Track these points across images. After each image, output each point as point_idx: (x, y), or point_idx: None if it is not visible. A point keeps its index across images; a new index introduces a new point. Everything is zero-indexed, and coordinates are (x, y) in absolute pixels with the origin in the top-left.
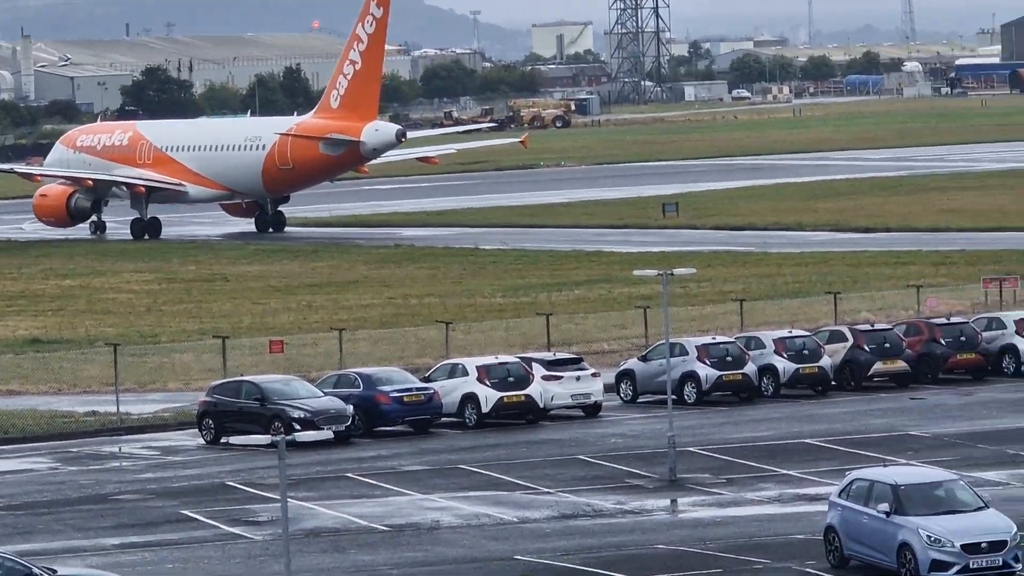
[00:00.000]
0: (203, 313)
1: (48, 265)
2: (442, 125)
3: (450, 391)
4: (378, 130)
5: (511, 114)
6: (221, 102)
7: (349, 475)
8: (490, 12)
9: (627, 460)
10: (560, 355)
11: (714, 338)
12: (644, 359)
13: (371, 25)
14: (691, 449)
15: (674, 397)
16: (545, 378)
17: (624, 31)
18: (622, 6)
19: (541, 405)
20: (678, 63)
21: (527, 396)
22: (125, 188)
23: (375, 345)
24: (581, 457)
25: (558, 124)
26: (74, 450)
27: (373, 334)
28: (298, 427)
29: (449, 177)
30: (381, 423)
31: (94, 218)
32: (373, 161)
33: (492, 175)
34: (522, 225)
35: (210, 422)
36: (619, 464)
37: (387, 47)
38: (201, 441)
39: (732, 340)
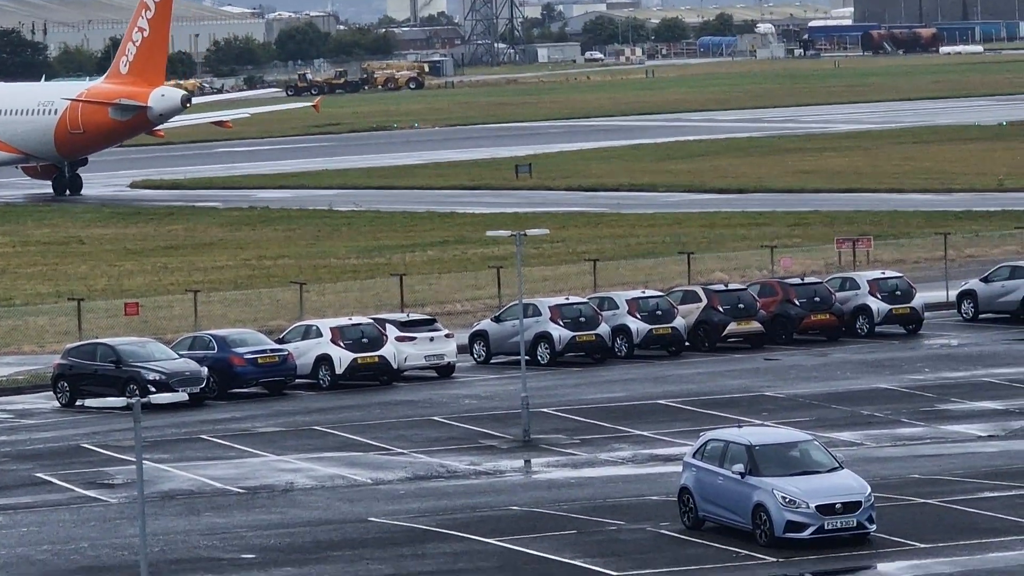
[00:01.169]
0: (58, 276)
1: None
2: (296, 87)
3: (304, 352)
4: (164, 95)
5: (365, 76)
6: (76, 65)
7: (204, 437)
8: None
9: (481, 421)
10: (414, 316)
11: (567, 298)
12: (497, 320)
13: None
14: (545, 410)
15: (527, 358)
16: (399, 339)
17: None
18: None
19: (395, 366)
20: (531, 25)
21: (381, 357)
22: None
23: (229, 307)
24: (435, 418)
25: (412, 86)
26: None
27: (228, 296)
28: (153, 389)
29: (304, 139)
30: (236, 385)
31: None
32: (168, 126)
33: (346, 137)
34: (376, 187)
35: (65, 385)
36: (473, 425)
37: (242, 9)
38: (56, 404)
39: (585, 301)
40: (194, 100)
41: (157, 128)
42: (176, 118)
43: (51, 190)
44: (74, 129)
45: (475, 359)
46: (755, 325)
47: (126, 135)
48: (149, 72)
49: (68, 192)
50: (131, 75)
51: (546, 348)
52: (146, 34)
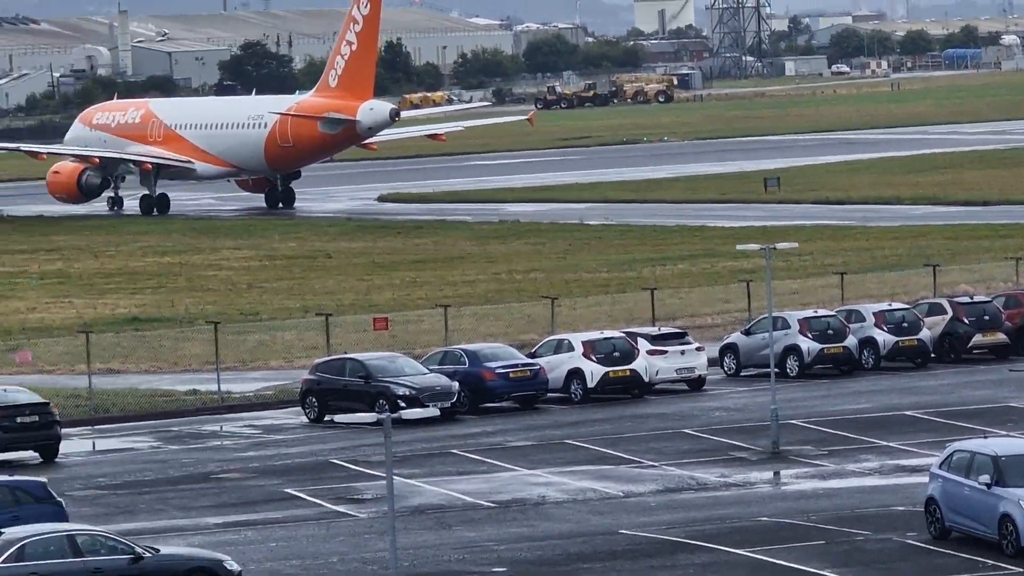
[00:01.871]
0: (305, 290)
1: (146, 242)
2: (545, 100)
3: (556, 366)
4: (373, 109)
5: (614, 89)
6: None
7: (455, 452)
8: None
9: (730, 433)
10: (665, 329)
11: (816, 311)
12: (747, 333)
13: (366, 7)
14: (793, 421)
15: (776, 370)
16: (650, 352)
17: (725, 6)
18: None
19: (646, 379)
20: (778, 38)
21: (632, 371)
22: (133, 165)
23: (480, 321)
24: (685, 431)
25: (660, 99)
26: (175, 429)
27: (478, 310)
28: (403, 404)
29: (554, 153)
30: (487, 399)
31: (111, 194)
32: (382, 139)
33: (597, 151)
34: (626, 200)
35: (313, 400)
36: (723, 437)
37: (490, 21)
38: (304, 419)
39: (833, 313)
40: (402, 114)
41: (369, 142)
42: (389, 131)
43: (263, 203)
44: (284, 142)
45: (725, 372)
46: (1000, 336)
47: (335, 148)
48: (357, 86)
49: (281, 205)
50: (340, 89)
51: (795, 360)
52: (354, 48)
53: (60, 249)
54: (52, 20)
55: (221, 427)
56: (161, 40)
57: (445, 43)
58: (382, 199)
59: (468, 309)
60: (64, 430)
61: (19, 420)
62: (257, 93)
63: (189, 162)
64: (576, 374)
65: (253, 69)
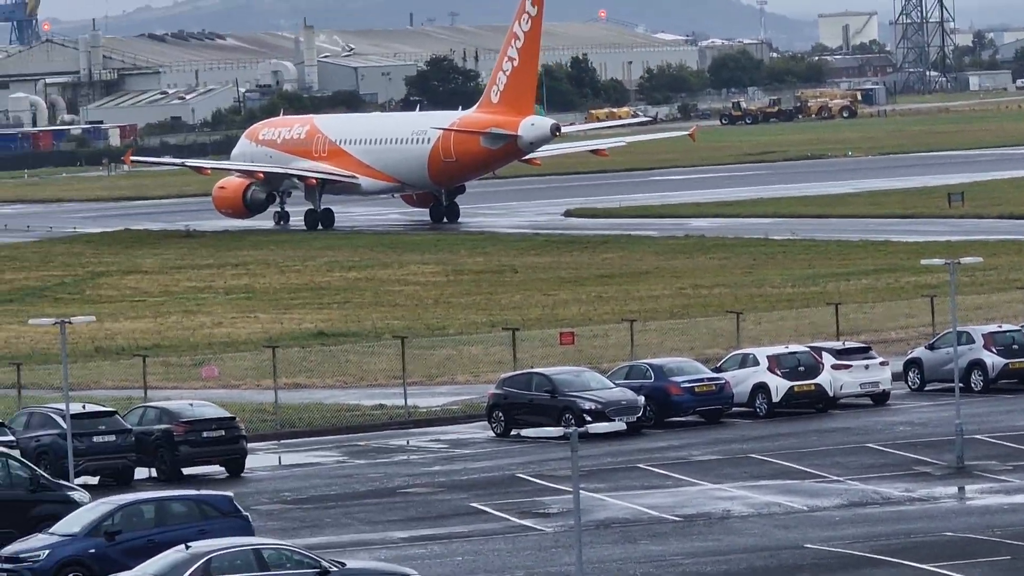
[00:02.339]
0: (492, 305)
1: (333, 257)
2: (730, 116)
3: (741, 381)
4: (534, 124)
5: (798, 104)
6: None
7: (640, 466)
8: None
9: (915, 448)
10: (849, 344)
11: (1000, 326)
12: (931, 347)
13: (527, 23)
14: (978, 436)
15: (961, 385)
16: (834, 367)
17: (909, 21)
18: None
19: (830, 394)
20: (962, 53)
21: (817, 385)
22: (298, 180)
23: (666, 336)
24: (870, 445)
25: (845, 114)
26: (361, 443)
27: (664, 325)
28: (590, 418)
29: (739, 168)
30: (672, 413)
31: (277, 208)
32: (545, 154)
33: (780, 165)
34: (810, 215)
35: (500, 414)
36: (907, 452)
37: (675, 37)
38: (491, 434)
39: (1018, 328)
40: (563, 130)
41: (532, 157)
42: (552, 147)
43: (428, 218)
44: (447, 157)
45: (909, 386)
46: None
47: (497, 164)
48: (519, 101)
49: (445, 220)
50: (502, 104)
51: (979, 375)
52: (515, 64)
53: (246, 264)
54: (238, 35)
55: (407, 441)
56: (347, 55)
57: (631, 59)
58: (568, 214)
59: (654, 323)
60: (250, 444)
61: (205, 435)
62: (444, 109)
63: (353, 177)
64: (761, 388)
65: (439, 84)
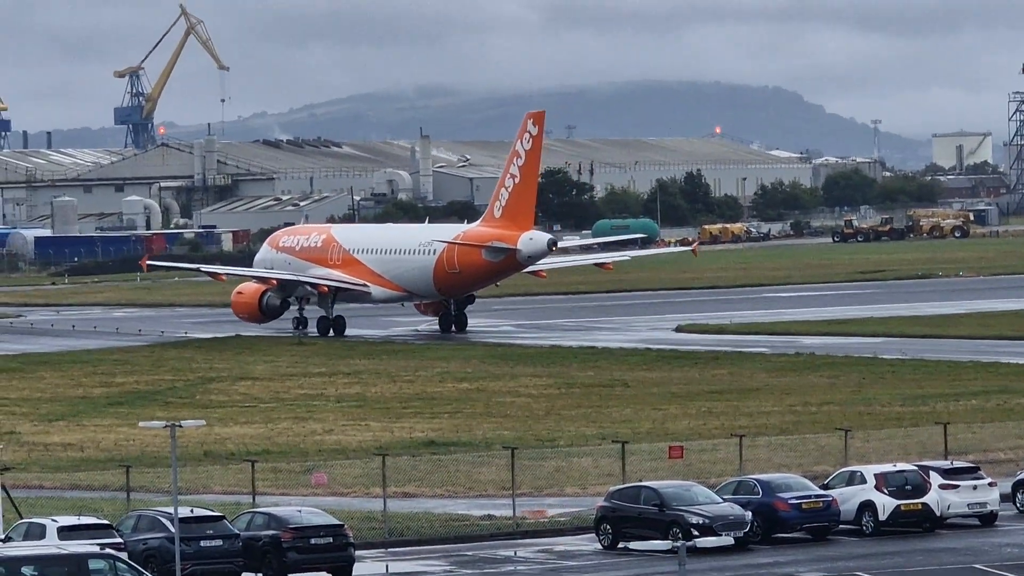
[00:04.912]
0: (602, 418)
1: (445, 368)
2: (842, 233)
3: (848, 498)
4: (532, 239)
5: (910, 223)
6: (621, 206)
7: None
8: (891, 121)
9: (1022, 570)
10: (957, 464)
11: None
12: None
13: (528, 142)
14: None
15: None
16: (942, 486)
17: (1023, 143)
18: (1022, 118)
19: (938, 513)
20: None
21: (924, 504)
22: (310, 288)
23: (774, 451)
24: (977, 566)
25: (957, 234)
26: (469, 553)
27: (772, 440)
28: (697, 533)
29: (851, 286)
30: (779, 529)
31: (296, 314)
32: (549, 267)
33: (891, 284)
34: (920, 335)
35: (608, 527)
36: (1015, 574)
37: (789, 154)
38: (598, 546)
39: None
40: (559, 244)
41: (539, 269)
42: (554, 260)
43: (437, 327)
44: (451, 269)
45: (1018, 508)
46: None
47: (499, 275)
48: (519, 216)
49: (454, 329)
50: (504, 219)
51: None
52: (517, 180)
53: (358, 373)
54: (354, 143)
55: (515, 552)
56: (463, 165)
57: (745, 175)
58: (679, 329)
59: (762, 439)
60: (358, 552)
61: (313, 541)
62: (558, 220)
63: (365, 286)
64: (868, 506)
65: (554, 196)
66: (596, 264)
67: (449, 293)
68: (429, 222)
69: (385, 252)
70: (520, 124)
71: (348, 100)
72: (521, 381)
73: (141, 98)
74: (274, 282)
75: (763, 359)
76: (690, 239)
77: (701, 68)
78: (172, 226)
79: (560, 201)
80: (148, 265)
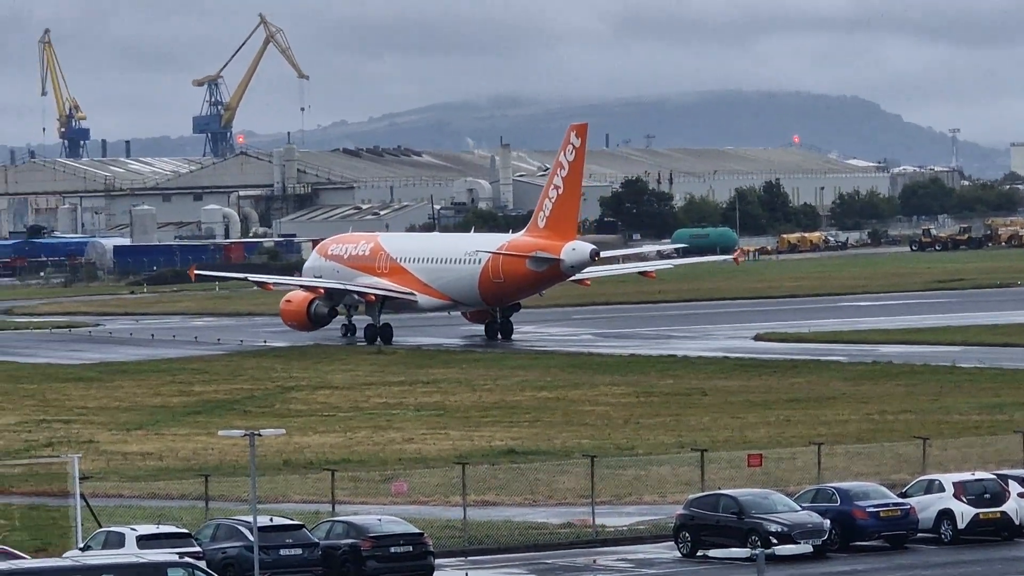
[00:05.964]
0: (681, 426)
1: (524, 377)
2: (920, 242)
3: (926, 507)
4: (575, 249)
5: (988, 232)
6: (700, 215)
7: None
8: (969, 130)
9: None
10: None
11: None
12: None
13: (571, 154)
14: None
15: None
16: (1021, 495)
17: None
18: None
19: (1016, 522)
20: None
21: (1003, 513)
22: (358, 296)
23: (852, 460)
24: None
25: None
26: (548, 562)
27: (850, 449)
28: (775, 541)
29: (928, 295)
30: (857, 538)
31: (344, 322)
32: (594, 275)
33: (969, 293)
34: (999, 344)
35: (687, 535)
36: None
37: (867, 163)
38: (677, 554)
39: None
40: (603, 254)
41: (583, 278)
42: (599, 269)
43: (483, 334)
44: (496, 278)
45: None
46: None
47: (542, 285)
48: (563, 226)
49: (500, 337)
50: (547, 229)
51: None
52: (560, 191)
53: (437, 382)
54: (434, 152)
55: (594, 560)
56: (542, 175)
57: (823, 184)
58: (758, 338)
59: (840, 447)
60: (437, 560)
61: (393, 550)
62: (637, 229)
63: (411, 294)
64: (946, 515)
65: (632, 206)
66: (640, 273)
67: (494, 302)
68: (512, 231)
69: (431, 261)
70: (563, 135)
71: (428, 109)
72: (600, 390)
73: (220, 107)
74: (322, 291)
75: (841, 367)
76: (768, 248)
77: (777, 78)
78: (251, 235)
79: (640, 210)
80: (196, 275)
